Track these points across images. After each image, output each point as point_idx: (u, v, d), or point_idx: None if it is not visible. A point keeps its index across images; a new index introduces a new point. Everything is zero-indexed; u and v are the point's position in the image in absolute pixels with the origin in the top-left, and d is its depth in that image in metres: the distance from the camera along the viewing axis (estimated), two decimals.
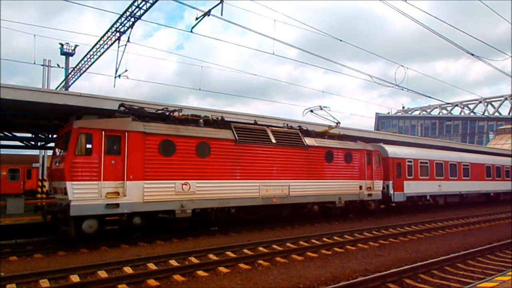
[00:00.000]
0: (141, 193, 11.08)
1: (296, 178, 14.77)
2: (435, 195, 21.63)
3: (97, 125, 10.72)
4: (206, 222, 12.96)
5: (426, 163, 21.20)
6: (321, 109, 16.54)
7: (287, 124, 15.94)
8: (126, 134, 10.99)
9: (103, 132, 10.63)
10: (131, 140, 11.06)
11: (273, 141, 14.29)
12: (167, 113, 12.55)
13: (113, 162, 10.73)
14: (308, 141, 15.49)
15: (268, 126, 14.83)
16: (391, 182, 19.00)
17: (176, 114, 12.67)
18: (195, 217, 12.27)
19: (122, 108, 12.02)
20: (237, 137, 13.30)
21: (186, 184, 11.96)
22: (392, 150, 19.74)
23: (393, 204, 19.42)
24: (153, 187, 11.32)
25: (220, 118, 13.72)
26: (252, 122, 15.05)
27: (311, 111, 16.72)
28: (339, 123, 17.19)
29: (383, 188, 18.58)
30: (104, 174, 10.49)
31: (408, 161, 20.10)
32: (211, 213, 12.73)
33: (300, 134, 15.45)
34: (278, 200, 14.22)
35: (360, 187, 17.19)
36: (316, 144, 15.69)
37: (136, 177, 11.04)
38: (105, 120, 11.06)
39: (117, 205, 10.65)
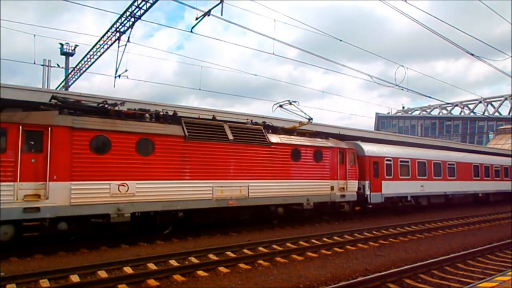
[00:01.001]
0: (67, 195, 9.87)
1: (257, 178, 13.53)
2: (417, 195, 20.36)
3: (13, 119, 9.53)
4: (151, 227, 11.88)
5: (407, 162, 19.96)
6: (290, 104, 15.60)
7: (251, 120, 14.78)
8: (50, 129, 9.79)
9: (20, 127, 9.42)
10: (56, 136, 9.87)
11: (230, 137, 13.00)
12: (107, 107, 11.30)
13: (33, 160, 9.57)
14: (272, 138, 14.28)
15: (226, 121, 13.67)
16: (367, 182, 17.69)
17: (117, 107, 11.54)
18: (136, 221, 11.13)
19: (53, 101, 10.83)
20: (187, 133, 12.05)
21: (123, 185, 10.76)
22: (369, 148, 18.46)
23: (370, 206, 18.03)
24: (82, 188, 10.11)
25: (173, 112, 12.60)
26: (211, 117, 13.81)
27: (281, 106, 15.84)
28: (311, 119, 16.32)
29: (359, 188, 17.44)
30: (21, 174, 9.31)
31: (387, 160, 18.86)
32: (155, 217, 11.54)
33: (264, 131, 14.18)
34: (236, 202, 12.93)
35: (332, 188, 15.89)
36: (281, 141, 14.43)
37: (61, 177, 9.85)
38: (24, 113, 9.96)
39: (38, 209, 9.46)
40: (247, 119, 14.81)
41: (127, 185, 10.84)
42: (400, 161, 19.54)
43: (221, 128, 13.10)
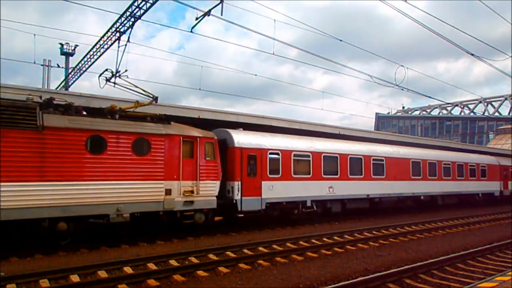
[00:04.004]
0: None
1: (11, 179, 9.22)
2: (324, 199, 16.00)
3: None
4: None
5: (307, 156, 15.52)
6: (115, 76, 11.82)
7: (41, 97, 10.60)
8: None
9: None
10: None
11: None
12: None
13: None
14: (51, 120, 9.97)
15: None
16: (237, 183, 13.27)
17: None
18: None
19: None
20: None
21: None
22: (242, 138, 13.88)
23: (241, 215, 13.59)
24: None
25: None
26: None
27: (107, 80, 11.94)
28: (156, 98, 12.18)
29: (228, 192, 13.35)
30: None
31: (272, 153, 14.40)
32: None
33: (37, 110, 9.85)
34: None
35: (168, 192, 11.64)
36: (68, 125, 10.16)
37: None
38: None
39: None
40: (29, 95, 10.38)
41: None
42: (295, 155, 15.12)
43: None
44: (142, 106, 12.12)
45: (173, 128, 12.24)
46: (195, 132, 12.63)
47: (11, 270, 8.04)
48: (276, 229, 14.07)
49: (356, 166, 17.36)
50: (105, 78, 11.99)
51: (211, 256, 9.48)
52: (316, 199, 15.65)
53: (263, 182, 13.97)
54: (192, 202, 12.12)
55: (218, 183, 12.79)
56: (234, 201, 13.23)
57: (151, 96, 12.10)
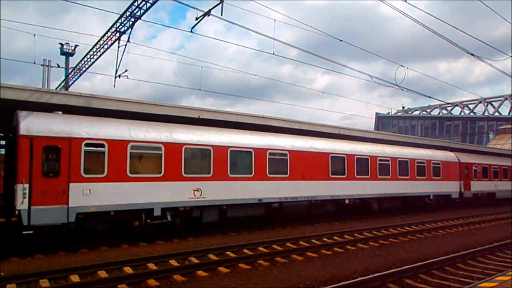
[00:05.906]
0: None
1: None
2: (186, 206, 12.17)
3: None
4: None
5: (157, 149, 11.65)
6: None
7: None
8: None
9: None
10: None
11: None
12: None
13: None
14: None
15: None
16: (21, 186, 9.36)
17: None
18: None
19: None
20: None
21: None
22: (39, 123, 10.04)
23: (29, 232, 9.44)
24: None
25: None
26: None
27: None
28: None
29: (14, 199, 9.55)
30: None
31: (91, 145, 10.54)
32: None
33: None
34: None
35: None
36: None
37: None
38: None
39: None
40: None
41: None
42: (135, 147, 11.30)
43: None
44: None
45: None
46: None
47: (11, 270, 8.05)
48: (276, 229, 14.08)
49: (242, 162, 13.63)
50: None
51: (211, 256, 9.48)
52: (170, 206, 11.81)
53: (72, 185, 10.08)
54: None
55: None
56: (17, 212, 9.33)
57: None
